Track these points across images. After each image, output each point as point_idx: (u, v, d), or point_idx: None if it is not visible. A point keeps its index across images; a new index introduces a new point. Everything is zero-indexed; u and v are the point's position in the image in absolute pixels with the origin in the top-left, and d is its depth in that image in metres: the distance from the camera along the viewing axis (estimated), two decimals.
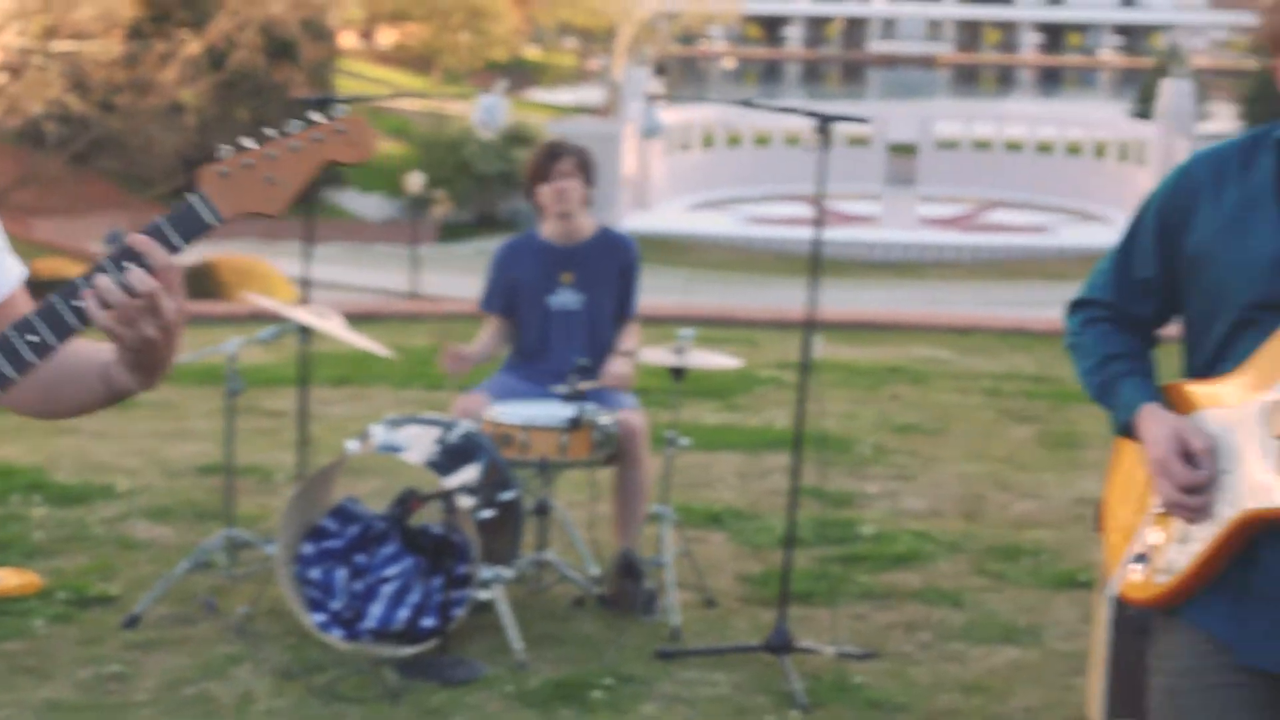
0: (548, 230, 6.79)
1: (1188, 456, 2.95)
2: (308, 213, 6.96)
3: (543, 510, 6.38)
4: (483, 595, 5.96)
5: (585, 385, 6.24)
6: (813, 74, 72.51)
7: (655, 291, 24.64)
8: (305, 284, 7.08)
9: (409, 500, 6.03)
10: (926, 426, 10.01)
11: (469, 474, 6.07)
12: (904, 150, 35.87)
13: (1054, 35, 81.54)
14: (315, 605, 6.09)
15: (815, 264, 5.86)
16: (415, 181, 33.39)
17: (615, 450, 6.47)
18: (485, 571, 5.93)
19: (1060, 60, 78.36)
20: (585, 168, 6.66)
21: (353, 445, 6.25)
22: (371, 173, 37.89)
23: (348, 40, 52.48)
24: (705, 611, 6.51)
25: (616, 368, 6.55)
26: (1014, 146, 34.19)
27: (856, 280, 28.45)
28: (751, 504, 8.08)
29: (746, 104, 6.33)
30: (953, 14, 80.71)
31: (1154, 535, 3.04)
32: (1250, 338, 2.95)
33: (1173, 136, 28.54)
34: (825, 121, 5.74)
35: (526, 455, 6.28)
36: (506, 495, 6.16)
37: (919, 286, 27.49)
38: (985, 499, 8.20)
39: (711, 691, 5.74)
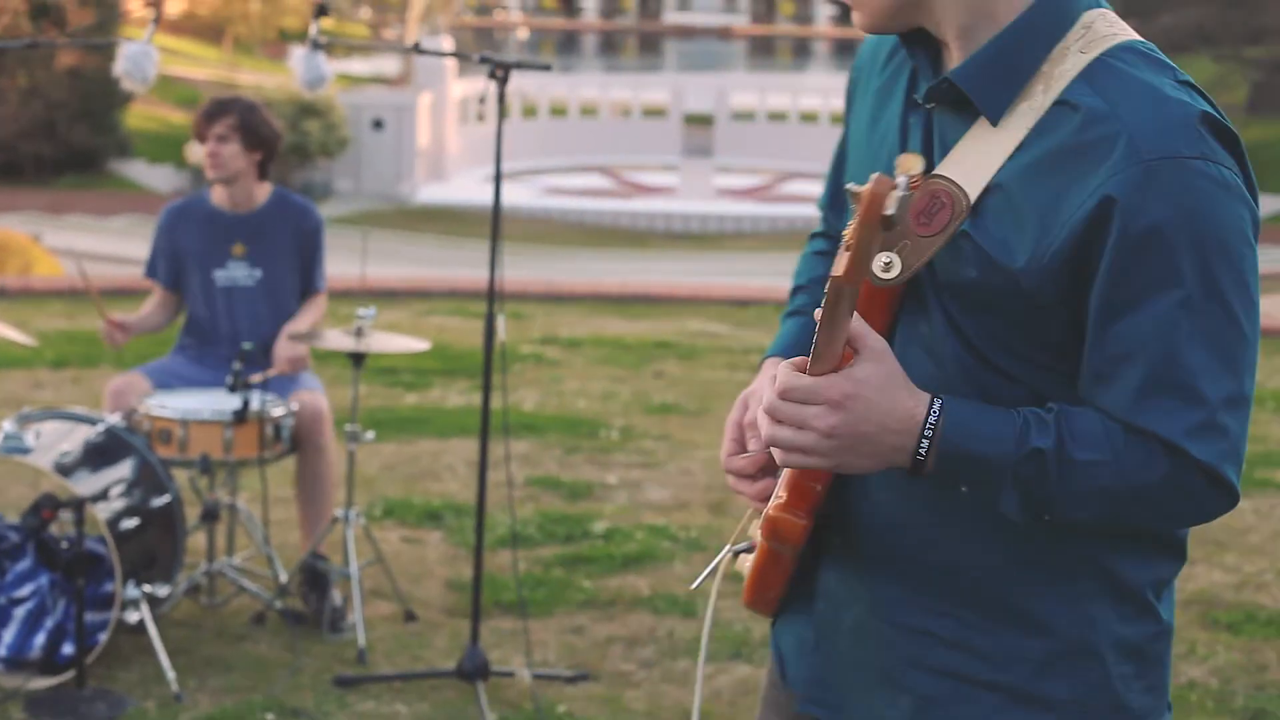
0: (217, 195, 5.97)
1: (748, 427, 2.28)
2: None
3: (211, 515, 5.55)
4: (130, 617, 5.13)
5: (255, 378, 5.46)
6: (609, 45, 71.65)
7: (450, 264, 23.92)
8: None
9: (43, 508, 5.17)
10: (686, 407, 9.31)
11: (110, 477, 5.26)
12: (701, 121, 35.59)
13: (848, 8, 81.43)
14: None
15: (496, 233, 5.08)
16: (196, 152, 32.16)
17: (294, 439, 5.69)
18: (131, 590, 5.10)
19: (854, 33, 78.17)
20: (246, 129, 5.83)
21: None
22: (160, 143, 36.58)
23: (135, 8, 50.81)
24: (403, 627, 5.74)
25: (286, 351, 5.75)
26: (809, 118, 33.94)
27: (656, 250, 27.91)
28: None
29: (417, 50, 5.53)
30: None
31: (754, 525, 2.33)
32: None
33: None
34: (502, 68, 4.97)
35: (186, 453, 5.46)
36: (160, 500, 5.34)
37: (714, 257, 27.00)
38: None
39: None
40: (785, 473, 2.13)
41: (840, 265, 1.83)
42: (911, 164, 1.90)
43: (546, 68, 5.60)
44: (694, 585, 2.34)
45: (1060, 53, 2.02)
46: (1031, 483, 1.98)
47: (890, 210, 1.79)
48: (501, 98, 5.02)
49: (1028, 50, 2.03)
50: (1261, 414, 9.81)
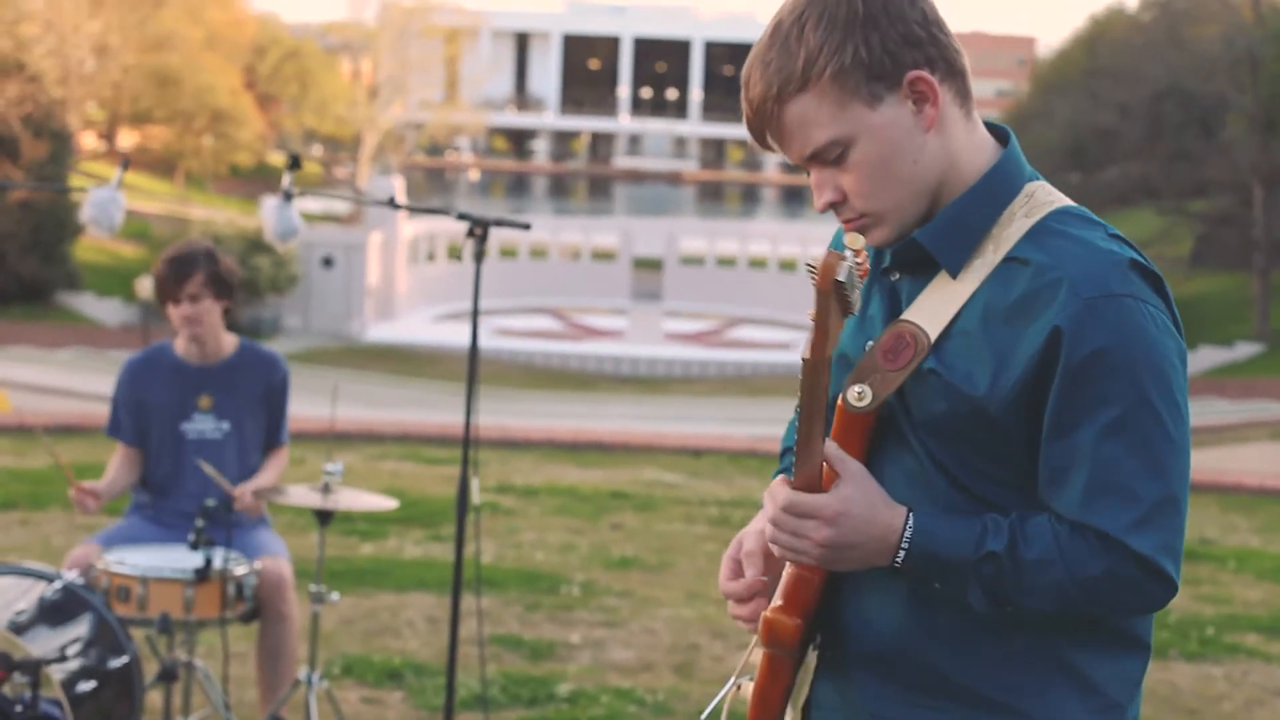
0: (182, 346, 5.84)
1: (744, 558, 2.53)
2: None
3: (169, 675, 5.37)
4: None
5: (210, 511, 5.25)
6: (559, 188, 72.12)
7: (399, 404, 23.77)
8: None
9: None
10: (646, 560, 9.19)
11: (66, 636, 5.09)
12: (650, 265, 35.70)
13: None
14: None
15: (472, 379, 4.98)
16: (146, 286, 32.12)
17: (256, 605, 5.52)
18: None
19: (802, 180, 78.52)
20: (215, 281, 5.73)
21: None
22: (109, 276, 36.52)
23: (89, 141, 50.91)
24: None
25: (250, 497, 5.58)
26: (757, 264, 34.15)
27: (604, 393, 27.88)
28: (439, 655, 7.15)
29: (392, 205, 5.44)
30: (698, 131, 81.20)
31: (756, 655, 2.54)
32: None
33: None
34: (481, 226, 4.92)
35: (145, 612, 5.29)
36: (117, 662, 5.16)
37: (663, 402, 26.97)
38: (699, 649, 7.37)
39: None
40: (782, 583, 2.39)
41: (807, 345, 2.17)
42: (855, 240, 2.19)
43: (526, 226, 5.49)
44: (702, 717, 2.59)
45: (1008, 217, 2.37)
46: (991, 580, 2.28)
47: (841, 276, 2.10)
48: (479, 256, 4.94)
49: (982, 214, 2.37)
50: (1223, 574, 9.76)
